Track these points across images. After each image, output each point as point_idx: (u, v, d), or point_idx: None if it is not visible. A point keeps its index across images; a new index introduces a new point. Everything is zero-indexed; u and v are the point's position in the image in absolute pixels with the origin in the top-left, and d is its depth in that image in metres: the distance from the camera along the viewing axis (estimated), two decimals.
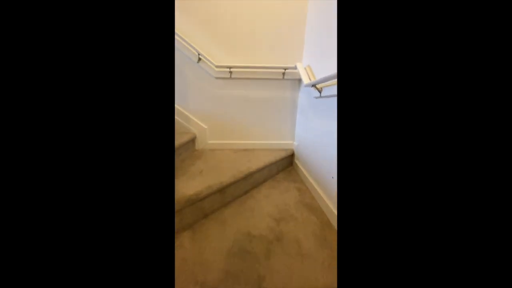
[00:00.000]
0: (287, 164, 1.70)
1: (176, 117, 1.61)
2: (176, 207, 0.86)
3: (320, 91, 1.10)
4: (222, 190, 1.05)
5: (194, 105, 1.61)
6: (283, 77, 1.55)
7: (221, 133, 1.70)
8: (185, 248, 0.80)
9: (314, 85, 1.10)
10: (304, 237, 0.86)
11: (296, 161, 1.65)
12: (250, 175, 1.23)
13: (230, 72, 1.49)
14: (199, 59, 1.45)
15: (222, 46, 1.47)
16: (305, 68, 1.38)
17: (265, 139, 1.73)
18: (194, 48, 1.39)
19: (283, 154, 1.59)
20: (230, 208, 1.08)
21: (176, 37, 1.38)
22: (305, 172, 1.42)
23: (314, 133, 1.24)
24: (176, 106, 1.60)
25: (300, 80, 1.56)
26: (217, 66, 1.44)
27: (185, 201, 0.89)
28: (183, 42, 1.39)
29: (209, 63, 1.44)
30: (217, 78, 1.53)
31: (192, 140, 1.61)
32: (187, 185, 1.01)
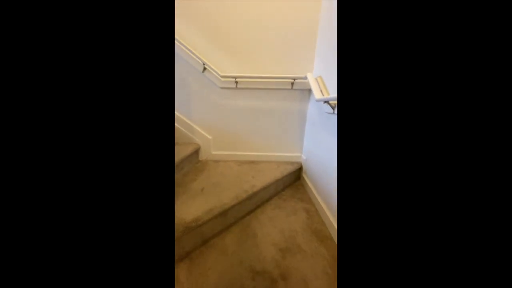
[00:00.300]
0: (295, 178, 1.60)
1: (180, 127, 1.57)
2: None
3: (333, 108, 0.99)
4: (223, 213, 0.98)
5: (199, 115, 1.56)
6: (292, 87, 1.45)
7: (226, 144, 1.63)
8: (180, 283, 0.73)
9: (326, 101, 1.00)
10: (313, 276, 0.77)
11: (304, 176, 1.54)
12: (254, 194, 1.15)
13: (236, 82, 1.42)
14: (204, 68, 1.39)
15: (228, 55, 1.40)
16: (316, 79, 1.28)
17: (271, 151, 1.64)
18: (198, 57, 1.34)
19: (290, 169, 1.49)
20: (231, 232, 1.00)
21: (180, 46, 1.33)
22: (313, 190, 1.32)
23: (325, 150, 1.14)
24: (181, 116, 1.55)
25: (310, 91, 1.46)
26: (222, 76, 1.37)
27: (184, 228, 0.82)
28: (187, 51, 1.34)
29: (214, 72, 1.38)
30: (222, 88, 1.46)
31: (196, 152, 1.56)
32: (187, 207, 0.94)
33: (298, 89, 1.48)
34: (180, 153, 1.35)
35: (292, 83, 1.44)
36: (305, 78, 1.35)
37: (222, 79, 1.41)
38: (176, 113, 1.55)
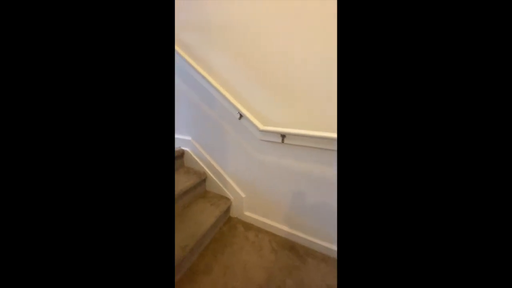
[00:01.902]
0: None
1: (212, 175, 1.32)
2: None
3: None
4: None
5: (233, 167, 1.23)
6: None
7: (262, 209, 1.20)
8: None
9: None
10: None
11: None
12: None
13: (283, 136, 0.94)
14: (240, 116, 1.01)
15: (273, 97, 0.93)
16: None
17: (325, 239, 1.03)
18: (232, 104, 0.98)
19: None
20: None
21: (213, 86, 1.02)
22: None
23: None
24: (214, 163, 1.29)
25: None
26: (262, 131, 0.94)
27: None
28: (216, 90, 1.01)
29: (251, 123, 0.98)
30: (262, 140, 1.03)
31: (226, 211, 1.25)
32: None
33: None
34: (204, 217, 1.08)
35: None
36: None
37: (262, 133, 0.97)
38: (210, 159, 1.30)
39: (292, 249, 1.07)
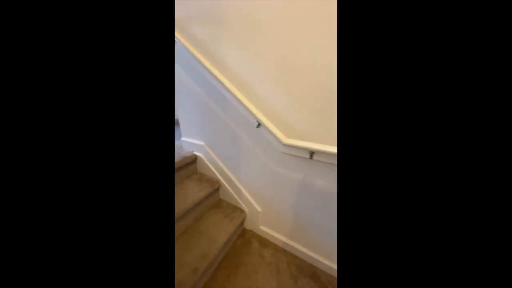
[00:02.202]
0: None
1: (225, 183, 1.22)
2: None
3: None
4: None
5: (248, 178, 1.11)
6: None
7: (280, 225, 1.08)
8: None
9: None
10: None
11: None
12: None
13: (312, 152, 0.77)
14: (258, 124, 0.86)
15: (299, 102, 0.76)
16: None
17: None
18: (250, 111, 0.83)
19: None
20: None
21: (227, 89, 0.88)
22: None
23: None
24: (227, 171, 1.19)
25: None
26: (285, 145, 0.78)
27: None
28: (230, 93, 0.87)
29: (273, 135, 0.82)
30: (284, 153, 0.88)
31: (240, 224, 1.16)
32: None
33: None
34: (218, 233, 1.00)
35: None
36: None
37: (284, 146, 0.81)
38: (224, 167, 1.20)
39: (314, 276, 0.94)
